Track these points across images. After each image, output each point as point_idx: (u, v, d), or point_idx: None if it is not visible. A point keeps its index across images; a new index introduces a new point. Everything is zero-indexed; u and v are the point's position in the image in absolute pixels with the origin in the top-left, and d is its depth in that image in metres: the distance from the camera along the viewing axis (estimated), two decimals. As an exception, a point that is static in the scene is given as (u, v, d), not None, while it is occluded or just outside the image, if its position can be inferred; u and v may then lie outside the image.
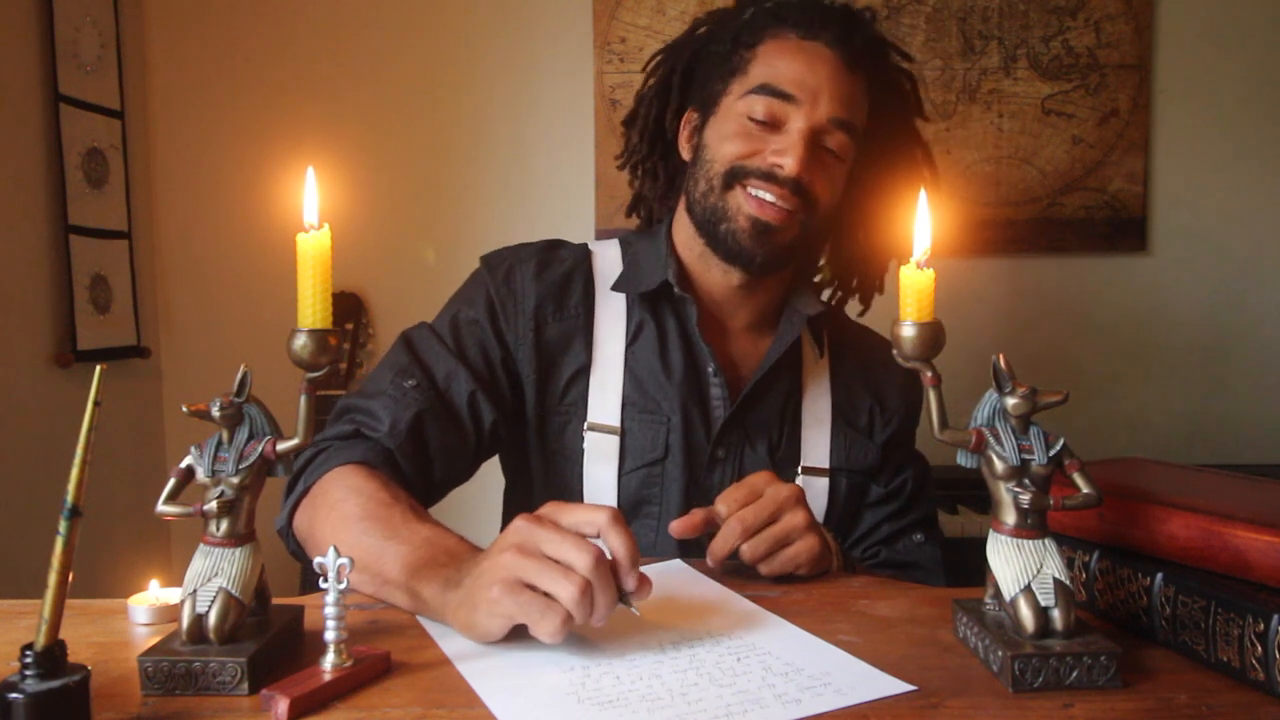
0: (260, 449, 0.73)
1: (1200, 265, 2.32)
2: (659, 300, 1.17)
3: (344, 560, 0.70)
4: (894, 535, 1.21)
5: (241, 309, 2.32)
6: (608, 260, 1.21)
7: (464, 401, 1.09)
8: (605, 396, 1.14)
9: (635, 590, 0.74)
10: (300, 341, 0.70)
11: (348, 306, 2.24)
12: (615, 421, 1.14)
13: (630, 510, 1.14)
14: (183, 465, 0.73)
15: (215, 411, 0.72)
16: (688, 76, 1.21)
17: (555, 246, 1.22)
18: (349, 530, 0.90)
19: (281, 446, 0.73)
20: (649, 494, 1.14)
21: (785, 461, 1.17)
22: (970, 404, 0.75)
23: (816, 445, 1.18)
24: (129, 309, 2.22)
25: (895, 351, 0.74)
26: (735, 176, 1.11)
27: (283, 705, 0.64)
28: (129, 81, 2.25)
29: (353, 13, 2.33)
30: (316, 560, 0.70)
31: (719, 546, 0.92)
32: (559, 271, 1.18)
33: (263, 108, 2.33)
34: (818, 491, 1.16)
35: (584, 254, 1.21)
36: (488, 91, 2.33)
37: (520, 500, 1.22)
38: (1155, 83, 2.28)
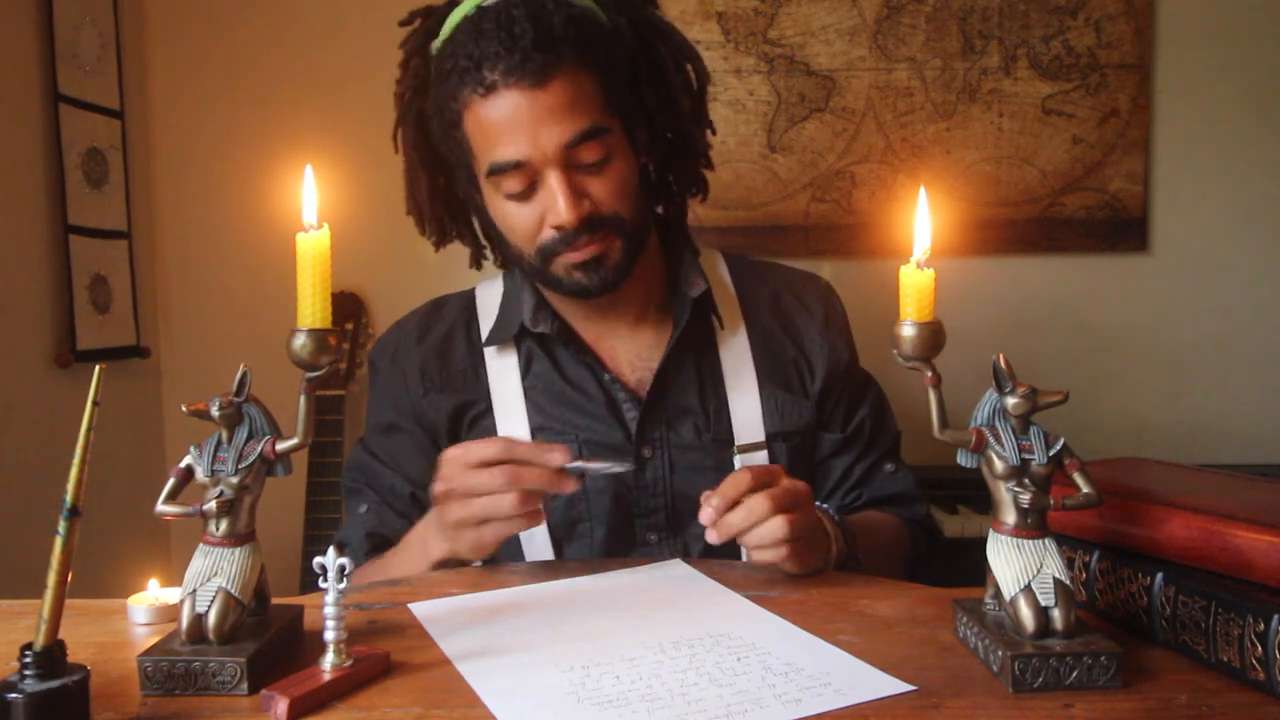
0: (260, 449, 0.73)
1: (1200, 265, 2.32)
2: (540, 335, 1.16)
3: (343, 560, 0.70)
4: (867, 474, 1.21)
5: (241, 309, 2.32)
6: (490, 304, 1.22)
7: (407, 501, 1.18)
8: (512, 429, 1.15)
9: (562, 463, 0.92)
10: (300, 341, 0.70)
11: (348, 306, 2.24)
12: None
13: (564, 533, 1.14)
14: (182, 465, 0.73)
15: (215, 411, 0.72)
16: (431, 162, 1.17)
17: (438, 307, 1.25)
18: (375, 572, 1.09)
19: (281, 446, 0.73)
20: (577, 513, 1.13)
21: (720, 440, 1.15)
22: (970, 404, 0.75)
23: (748, 415, 1.16)
24: (129, 309, 2.22)
25: (895, 351, 0.74)
26: (545, 254, 1.08)
27: (282, 705, 0.64)
28: (129, 81, 2.25)
29: (352, 12, 2.33)
30: (316, 560, 0.70)
31: (726, 491, 0.89)
32: (440, 332, 1.21)
33: (263, 107, 2.33)
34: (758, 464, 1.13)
35: (467, 304, 1.24)
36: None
37: None
38: (1155, 83, 2.28)
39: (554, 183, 1.04)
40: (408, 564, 1.04)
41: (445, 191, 1.20)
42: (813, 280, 1.28)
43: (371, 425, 1.24)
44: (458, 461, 0.93)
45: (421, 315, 1.25)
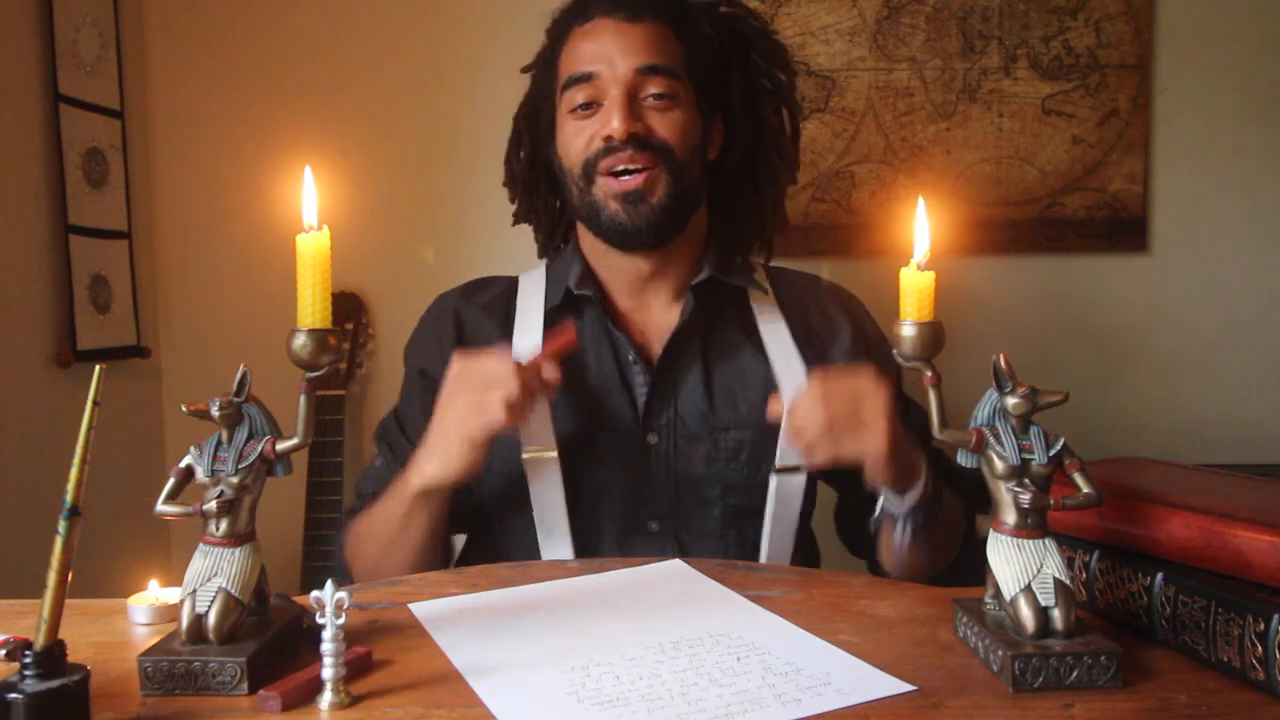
0: (260, 449, 0.73)
1: (1200, 265, 2.32)
2: (578, 308, 1.19)
3: (341, 594, 0.66)
4: (934, 457, 1.21)
5: (241, 309, 2.32)
6: (531, 286, 1.25)
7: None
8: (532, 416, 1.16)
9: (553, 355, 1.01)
10: (300, 341, 0.70)
11: (348, 306, 2.24)
12: (549, 437, 1.15)
13: (570, 508, 1.14)
14: (182, 465, 0.73)
15: (215, 411, 0.72)
16: (532, 120, 1.26)
17: (484, 282, 1.29)
18: (373, 515, 1.12)
19: (281, 446, 0.73)
20: (582, 490, 1.14)
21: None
22: (970, 404, 0.75)
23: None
24: (129, 309, 2.22)
25: (895, 351, 0.74)
26: (590, 170, 1.14)
27: (281, 706, 0.64)
28: (129, 81, 2.25)
29: (353, 12, 2.33)
30: (313, 594, 0.67)
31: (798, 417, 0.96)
32: (482, 299, 1.26)
33: (263, 108, 2.33)
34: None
35: (508, 285, 1.27)
36: (489, 91, 2.33)
37: (491, 527, 1.26)
38: (1155, 83, 2.28)
39: (611, 99, 1.12)
40: (395, 497, 1.08)
41: (535, 159, 1.27)
42: (839, 294, 1.31)
43: (402, 389, 1.28)
44: (468, 359, 1.02)
45: (467, 285, 1.30)
